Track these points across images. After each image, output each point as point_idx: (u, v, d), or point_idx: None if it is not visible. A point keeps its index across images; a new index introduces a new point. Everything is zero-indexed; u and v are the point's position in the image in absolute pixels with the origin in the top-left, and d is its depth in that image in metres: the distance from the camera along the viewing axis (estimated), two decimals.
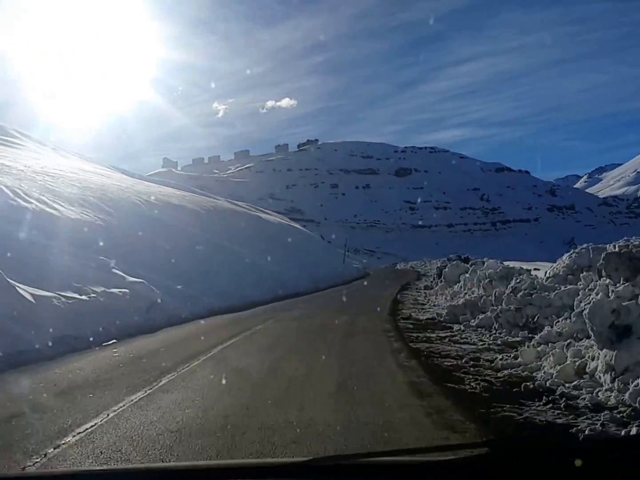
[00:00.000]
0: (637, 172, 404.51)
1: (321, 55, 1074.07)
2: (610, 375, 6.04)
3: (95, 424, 5.00)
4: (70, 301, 10.86)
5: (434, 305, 18.12)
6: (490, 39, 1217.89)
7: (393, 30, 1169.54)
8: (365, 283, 34.55)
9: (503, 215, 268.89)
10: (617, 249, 7.51)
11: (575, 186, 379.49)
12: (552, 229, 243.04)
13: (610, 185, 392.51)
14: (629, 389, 5.54)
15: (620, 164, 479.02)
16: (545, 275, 13.25)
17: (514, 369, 7.40)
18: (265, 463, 2.05)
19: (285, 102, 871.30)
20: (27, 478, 1.79)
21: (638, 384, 5.49)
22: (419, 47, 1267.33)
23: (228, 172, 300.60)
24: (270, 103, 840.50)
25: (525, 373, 7.17)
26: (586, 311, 6.64)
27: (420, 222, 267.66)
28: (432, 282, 26.99)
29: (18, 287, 9.89)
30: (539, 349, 8.15)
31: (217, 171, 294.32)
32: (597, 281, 8.22)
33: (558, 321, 9.00)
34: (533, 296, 10.98)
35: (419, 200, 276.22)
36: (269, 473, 1.41)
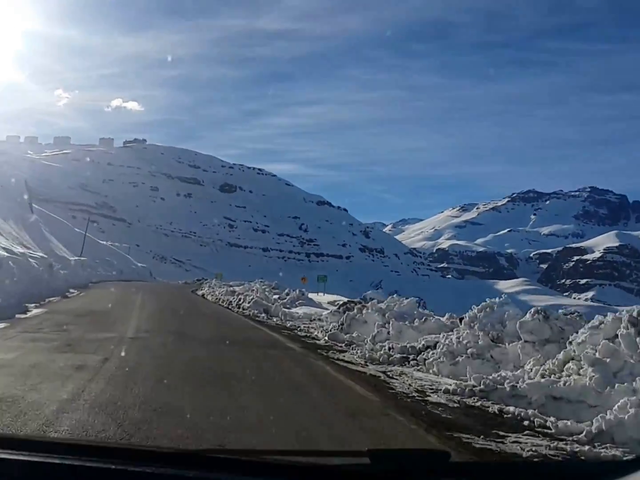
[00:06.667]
0: (435, 229, 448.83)
1: (175, 70, 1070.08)
2: None
3: None
4: None
5: None
6: (333, 89, 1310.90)
7: (248, 62, 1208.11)
8: None
9: (318, 248, 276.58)
10: None
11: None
12: (362, 269, 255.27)
13: (411, 237, 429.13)
14: None
15: (421, 220, 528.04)
16: None
17: None
18: (152, 448, 2.12)
19: (132, 105, 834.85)
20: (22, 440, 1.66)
21: None
22: (268, 82, 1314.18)
23: (43, 155, 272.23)
24: (116, 102, 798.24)
25: None
26: None
27: (237, 241, 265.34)
28: None
29: None
30: None
31: (31, 152, 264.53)
32: None
33: None
34: None
35: (239, 218, 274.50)
36: (156, 459, 1.41)
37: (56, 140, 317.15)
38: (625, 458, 4.95)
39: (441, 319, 14.19)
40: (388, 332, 14.32)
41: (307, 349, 12.49)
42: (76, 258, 38.78)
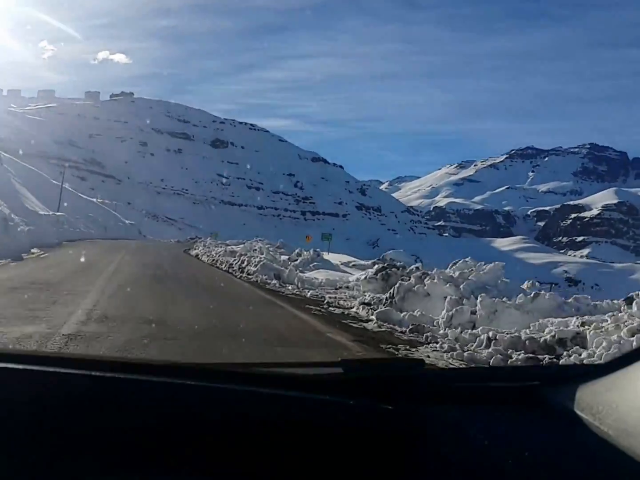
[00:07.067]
0: (432, 187, 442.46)
1: (166, 20, 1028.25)
2: None
3: None
4: None
5: None
6: (331, 41, 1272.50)
7: (242, 12, 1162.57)
8: None
9: (314, 206, 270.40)
10: None
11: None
12: (358, 227, 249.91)
13: (407, 195, 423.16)
14: None
15: (418, 177, 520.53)
16: None
17: None
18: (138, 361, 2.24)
19: (120, 57, 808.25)
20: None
21: None
22: (262, 34, 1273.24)
23: (26, 108, 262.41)
24: (102, 55, 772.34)
25: None
26: None
27: (231, 199, 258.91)
28: None
29: None
30: None
31: (14, 106, 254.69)
32: None
33: None
34: None
35: (231, 175, 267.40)
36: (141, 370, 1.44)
37: (40, 93, 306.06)
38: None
39: (556, 295, 9.59)
40: (472, 312, 9.70)
41: (363, 343, 7.87)
42: (49, 213, 33.81)
